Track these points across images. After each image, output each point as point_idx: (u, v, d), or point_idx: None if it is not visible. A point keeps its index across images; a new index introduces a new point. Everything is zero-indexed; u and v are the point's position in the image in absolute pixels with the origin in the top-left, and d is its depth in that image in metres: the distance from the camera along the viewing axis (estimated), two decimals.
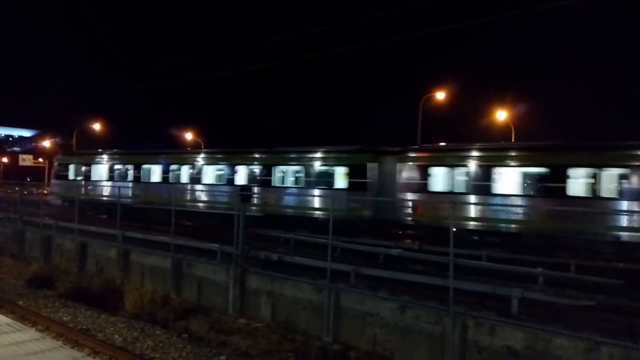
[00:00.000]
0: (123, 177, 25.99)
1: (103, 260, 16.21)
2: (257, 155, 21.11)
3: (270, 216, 19.44)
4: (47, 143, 65.59)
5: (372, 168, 17.70)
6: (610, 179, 14.25)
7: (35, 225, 19.76)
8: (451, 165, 16.38)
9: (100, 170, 27.01)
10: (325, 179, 18.93)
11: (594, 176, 14.30)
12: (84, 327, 10.97)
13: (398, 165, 17.24)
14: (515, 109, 30.21)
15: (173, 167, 23.93)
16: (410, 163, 17.07)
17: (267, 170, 20.33)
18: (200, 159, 22.92)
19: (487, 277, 11.63)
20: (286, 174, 20.45)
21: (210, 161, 22.68)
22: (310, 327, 10.84)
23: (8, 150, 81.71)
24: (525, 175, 15.42)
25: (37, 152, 67.10)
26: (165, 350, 9.64)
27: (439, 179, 16.61)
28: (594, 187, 14.31)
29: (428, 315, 9.30)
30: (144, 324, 11.27)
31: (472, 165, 15.85)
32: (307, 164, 19.30)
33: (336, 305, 10.45)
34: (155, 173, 24.49)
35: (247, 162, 21.18)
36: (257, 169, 20.89)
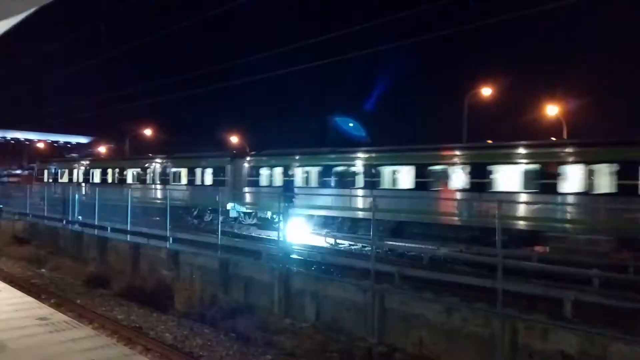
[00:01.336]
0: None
1: (155, 261, 16.82)
2: (159, 160, 28.12)
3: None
4: (102, 149, 68.75)
5: (228, 169, 23.50)
6: None
7: (91, 227, 20.78)
8: (271, 167, 22.05)
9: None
10: (205, 178, 24.80)
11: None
12: (137, 325, 11.41)
13: (244, 167, 22.95)
14: (567, 104, 28.86)
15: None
16: (248, 165, 22.89)
17: (169, 172, 26.97)
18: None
19: (537, 278, 11.19)
20: (181, 174, 26.40)
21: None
22: (354, 328, 10.81)
23: (67, 156, 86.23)
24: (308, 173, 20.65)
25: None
26: (213, 348, 9.87)
27: (265, 177, 22.15)
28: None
29: (476, 317, 9.06)
30: (193, 322, 11.58)
31: (283, 167, 21.28)
32: (196, 167, 25.33)
33: (381, 306, 10.36)
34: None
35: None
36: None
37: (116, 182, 29.92)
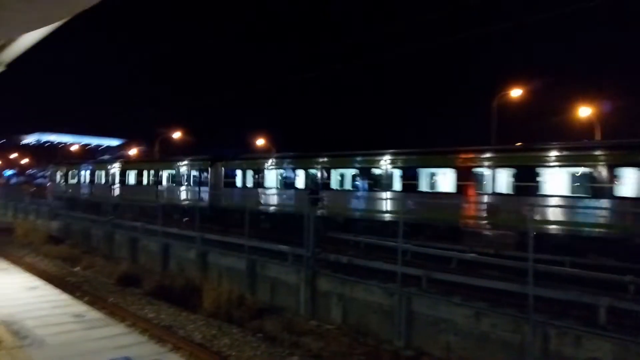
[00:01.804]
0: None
1: (184, 261, 17.12)
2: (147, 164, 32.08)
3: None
4: (132, 151, 70.44)
5: (210, 171, 25.96)
6: None
7: (123, 227, 21.32)
8: (242, 169, 24.38)
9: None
10: (189, 179, 27.36)
11: None
12: (167, 323, 11.64)
13: (221, 169, 25.32)
14: (601, 106, 28.03)
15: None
16: (224, 168, 25.20)
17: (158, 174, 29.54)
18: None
19: (568, 283, 10.91)
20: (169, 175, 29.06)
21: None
22: (381, 331, 10.77)
23: (98, 158, 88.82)
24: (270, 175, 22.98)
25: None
26: (241, 348, 9.99)
27: (238, 178, 24.51)
28: None
29: (505, 323, 8.91)
30: (221, 322, 11.75)
31: (252, 170, 23.78)
32: (180, 168, 28.05)
33: (408, 309, 10.30)
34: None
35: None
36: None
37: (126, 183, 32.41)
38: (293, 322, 11.92)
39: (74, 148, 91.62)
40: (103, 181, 33.95)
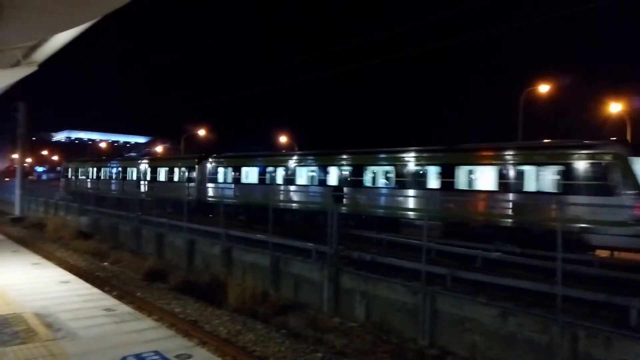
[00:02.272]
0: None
1: (209, 257, 17.36)
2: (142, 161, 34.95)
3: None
4: (159, 148, 71.68)
5: (196, 169, 28.69)
6: None
7: (150, 223, 21.74)
8: (224, 167, 27.22)
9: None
10: (176, 176, 30.46)
11: None
12: (193, 318, 11.84)
13: (207, 167, 27.95)
14: (632, 102, 27.20)
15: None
16: (210, 165, 27.91)
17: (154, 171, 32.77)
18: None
19: (597, 284, 10.66)
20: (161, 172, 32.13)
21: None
22: (405, 329, 10.73)
23: (125, 155, 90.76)
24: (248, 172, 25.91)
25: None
26: (266, 344, 10.09)
27: (221, 174, 27.19)
28: None
29: (533, 323, 8.76)
30: (245, 318, 11.88)
31: (232, 167, 26.75)
32: (171, 167, 31.37)
33: (432, 308, 10.23)
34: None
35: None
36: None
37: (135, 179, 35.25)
38: (316, 318, 11.97)
39: (102, 145, 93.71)
40: (107, 177, 38.11)
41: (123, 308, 7.80)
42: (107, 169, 38.22)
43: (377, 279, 11.65)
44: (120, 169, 36.55)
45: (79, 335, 6.15)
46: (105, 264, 18.96)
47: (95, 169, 39.84)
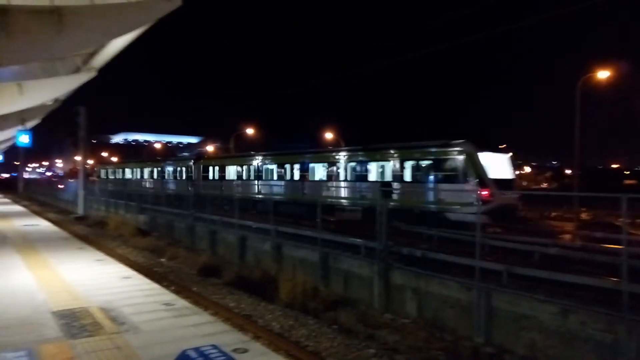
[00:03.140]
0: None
1: (259, 253, 17.70)
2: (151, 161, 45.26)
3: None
4: (210, 147, 73.70)
5: (194, 167, 35.03)
6: None
7: (203, 220, 22.42)
8: (213, 166, 33.55)
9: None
10: (177, 174, 37.61)
11: None
12: (247, 313, 12.11)
13: (202, 166, 34.27)
14: None
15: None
16: (202, 165, 34.45)
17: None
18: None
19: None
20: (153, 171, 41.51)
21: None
22: (459, 327, 10.51)
23: (178, 155, 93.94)
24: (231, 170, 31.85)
25: None
26: (318, 339, 10.17)
27: (211, 173, 33.25)
28: None
29: (596, 321, 8.34)
30: (297, 313, 12.02)
31: (219, 167, 33.03)
32: (175, 165, 38.43)
33: (487, 305, 9.95)
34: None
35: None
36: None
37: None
38: (367, 314, 11.94)
39: (157, 145, 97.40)
40: (136, 177, 45.02)
41: (181, 302, 8.08)
42: (127, 170, 47.24)
43: (428, 275, 11.47)
44: (144, 170, 43.88)
45: (141, 329, 6.44)
46: (163, 260, 19.71)
47: (121, 170, 49.38)
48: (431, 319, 11.14)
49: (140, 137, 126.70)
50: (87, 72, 16.24)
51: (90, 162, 66.38)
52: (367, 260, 13.19)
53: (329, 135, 52.85)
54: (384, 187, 21.02)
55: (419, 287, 11.59)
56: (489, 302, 9.95)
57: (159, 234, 25.53)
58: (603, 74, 25.21)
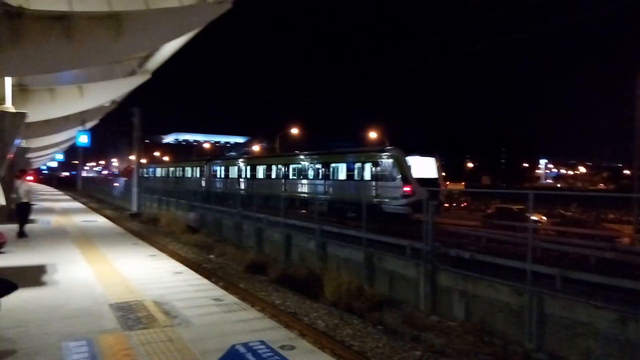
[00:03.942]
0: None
1: (304, 251, 17.87)
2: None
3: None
4: (256, 147, 74.99)
5: (204, 168, 39.36)
6: None
7: (250, 218, 22.87)
8: (219, 166, 37.72)
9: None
10: (191, 174, 42.79)
11: None
12: (292, 310, 12.26)
13: (211, 167, 38.43)
14: None
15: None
16: (211, 166, 38.44)
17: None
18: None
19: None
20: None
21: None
22: (508, 331, 10.20)
23: (227, 154, 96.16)
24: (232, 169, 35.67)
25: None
26: (363, 339, 10.16)
27: (218, 172, 37.26)
28: None
29: None
30: (342, 312, 12.05)
31: (224, 167, 37.11)
32: (194, 166, 42.93)
33: (539, 310, 9.61)
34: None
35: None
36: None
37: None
38: (413, 316, 11.80)
39: (206, 145, 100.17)
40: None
41: (230, 298, 8.27)
42: (167, 169, 52.60)
43: (476, 277, 11.19)
44: (167, 170, 50.80)
45: (192, 323, 6.65)
46: (212, 256, 20.27)
47: (151, 170, 56.62)
48: (479, 322, 10.88)
49: (190, 137, 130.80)
50: (142, 75, 16.94)
51: (144, 161, 69.23)
52: (413, 261, 13.04)
53: (372, 135, 52.47)
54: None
55: (466, 289, 11.35)
56: (542, 307, 9.61)
57: (207, 231, 26.26)
58: None
